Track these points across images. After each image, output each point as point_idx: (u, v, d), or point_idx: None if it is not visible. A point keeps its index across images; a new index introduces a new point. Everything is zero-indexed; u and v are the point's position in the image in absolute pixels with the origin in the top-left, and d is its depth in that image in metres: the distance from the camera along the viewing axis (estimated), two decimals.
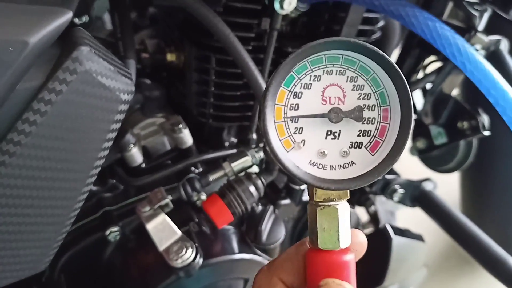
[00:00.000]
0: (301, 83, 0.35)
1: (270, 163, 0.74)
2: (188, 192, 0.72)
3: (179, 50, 0.82)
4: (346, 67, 0.35)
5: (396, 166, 1.07)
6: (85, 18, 0.73)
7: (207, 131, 0.88)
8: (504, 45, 0.89)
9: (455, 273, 1.65)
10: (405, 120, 0.34)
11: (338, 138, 0.35)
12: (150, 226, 0.67)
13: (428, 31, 0.60)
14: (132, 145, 0.76)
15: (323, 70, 0.35)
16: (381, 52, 0.33)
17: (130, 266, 0.73)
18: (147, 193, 0.77)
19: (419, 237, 1.04)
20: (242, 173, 0.73)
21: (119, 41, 0.67)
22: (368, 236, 1.05)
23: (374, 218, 1.08)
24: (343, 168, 0.36)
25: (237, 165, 0.72)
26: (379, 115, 0.35)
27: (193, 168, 0.82)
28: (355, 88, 0.35)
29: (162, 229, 0.68)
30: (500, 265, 0.90)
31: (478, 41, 0.84)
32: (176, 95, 0.90)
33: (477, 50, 0.79)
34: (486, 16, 0.85)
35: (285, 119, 0.35)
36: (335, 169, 0.36)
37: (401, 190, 1.01)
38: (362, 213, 1.11)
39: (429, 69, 0.96)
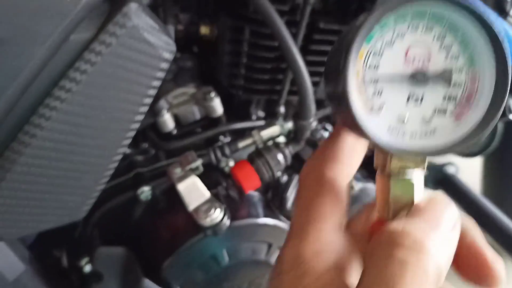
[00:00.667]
0: (383, 40, 0.31)
1: (298, 133, 0.76)
2: (218, 157, 0.75)
3: (213, 23, 0.85)
4: (434, 24, 0.31)
5: None
6: None
7: (236, 103, 0.90)
8: None
9: None
10: (500, 85, 0.31)
11: (420, 103, 0.32)
12: (181, 187, 0.71)
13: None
14: (165, 111, 0.80)
15: (408, 27, 0.31)
16: (475, 7, 0.29)
17: (160, 225, 0.77)
18: (177, 157, 0.80)
19: None
20: (270, 142, 0.76)
21: (159, 8, 0.70)
22: None
23: None
24: (424, 136, 0.32)
25: (266, 134, 0.74)
26: (468, 79, 0.32)
27: (221, 137, 0.85)
28: (442, 48, 0.32)
29: (192, 190, 0.71)
30: None
31: None
32: (207, 68, 0.93)
33: None
34: None
35: (364, 80, 0.31)
36: (415, 138, 0.32)
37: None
38: None
39: None
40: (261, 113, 0.93)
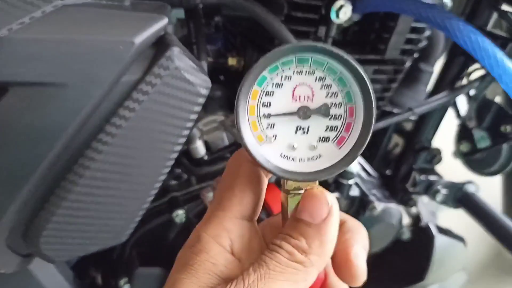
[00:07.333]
0: (273, 83, 0.37)
1: None
2: None
3: (240, 55, 0.91)
4: (315, 68, 0.37)
5: (439, 168, 1.12)
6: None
7: None
8: None
9: (497, 281, 1.64)
10: (367, 117, 0.37)
11: (307, 133, 0.38)
12: None
13: (470, 43, 0.66)
14: (197, 138, 0.85)
15: (294, 71, 0.37)
16: (346, 55, 0.36)
17: None
18: (208, 182, 0.85)
19: (460, 238, 1.08)
20: None
21: (193, 45, 0.76)
22: (411, 234, 1.08)
23: (415, 219, 1.12)
24: (311, 160, 0.38)
25: None
26: (345, 112, 0.38)
27: None
28: (323, 87, 0.38)
29: None
30: None
31: None
32: (234, 95, 0.98)
33: None
34: None
35: (258, 116, 0.37)
36: (303, 161, 0.38)
37: (444, 191, 1.05)
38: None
39: (474, 76, 1.00)
40: None
